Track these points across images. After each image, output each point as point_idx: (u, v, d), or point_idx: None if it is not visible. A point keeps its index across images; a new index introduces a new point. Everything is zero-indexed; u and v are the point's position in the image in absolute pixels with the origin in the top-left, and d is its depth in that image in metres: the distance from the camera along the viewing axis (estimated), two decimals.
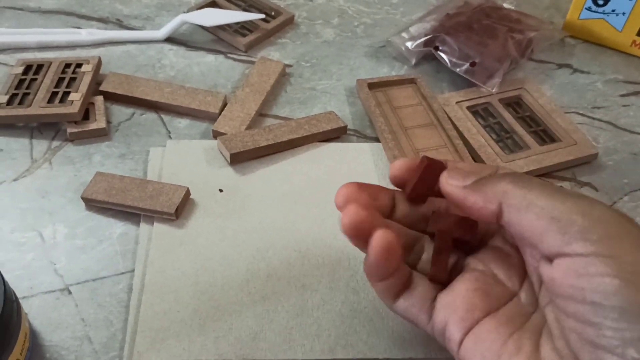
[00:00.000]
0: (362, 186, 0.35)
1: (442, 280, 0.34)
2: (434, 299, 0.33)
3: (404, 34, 0.64)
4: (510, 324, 0.30)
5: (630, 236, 0.26)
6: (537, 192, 0.28)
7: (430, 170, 0.34)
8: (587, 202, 0.27)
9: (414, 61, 0.63)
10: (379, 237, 0.30)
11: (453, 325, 0.31)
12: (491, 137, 0.54)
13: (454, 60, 0.59)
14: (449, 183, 0.32)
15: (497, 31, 0.61)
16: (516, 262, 0.33)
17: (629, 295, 0.24)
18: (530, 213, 0.28)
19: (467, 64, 0.58)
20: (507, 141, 0.54)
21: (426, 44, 0.62)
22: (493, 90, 0.58)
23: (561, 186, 0.30)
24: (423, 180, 0.34)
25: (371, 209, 0.33)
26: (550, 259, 0.27)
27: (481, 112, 0.57)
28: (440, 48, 0.60)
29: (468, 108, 0.57)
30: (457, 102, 0.57)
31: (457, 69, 0.59)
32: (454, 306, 0.32)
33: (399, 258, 0.32)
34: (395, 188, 0.37)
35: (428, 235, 0.36)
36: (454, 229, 0.34)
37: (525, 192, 0.28)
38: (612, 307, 0.24)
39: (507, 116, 0.56)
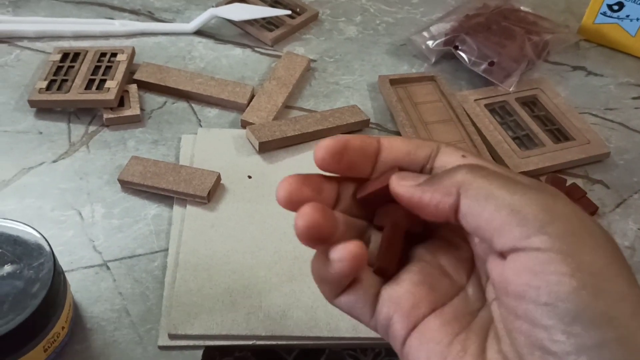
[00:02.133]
0: (305, 179, 0.31)
1: (390, 275, 0.31)
2: (378, 293, 0.30)
3: (425, 33, 0.66)
4: (456, 323, 0.28)
5: (591, 235, 0.24)
6: (497, 183, 0.26)
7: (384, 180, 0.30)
8: (550, 196, 0.25)
9: (433, 59, 0.65)
10: (350, 250, 0.28)
11: (397, 322, 0.29)
12: (507, 134, 0.56)
13: (473, 59, 0.62)
14: (400, 184, 0.29)
15: (515, 33, 0.63)
16: (465, 254, 0.31)
17: (585, 298, 0.23)
18: (489, 204, 0.25)
19: (486, 64, 0.61)
20: (523, 138, 0.57)
21: (446, 43, 0.64)
22: (510, 90, 0.60)
23: (521, 175, 0.28)
24: (380, 190, 0.30)
25: (324, 210, 0.29)
26: (504, 254, 0.26)
27: (498, 110, 0.60)
28: (459, 47, 0.63)
29: (486, 106, 0.59)
30: (475, 100, 0.60)
31: (476, 68, 0.61)
32: (398, 301, 0.29)
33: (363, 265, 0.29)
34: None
35: (375, 227, 0.33)
36: (405, 221, 0.31)
37: (485, 183, 0.26)
38: (566, 310, 0.23)
39: (523, 114, 0.59)
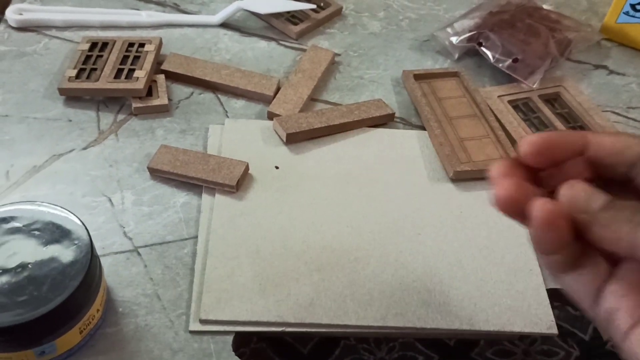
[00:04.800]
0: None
1: None
2: (602, 285, 0.30)
3: (448, 29, 0.66)
4: None
5: None
6: None
7: None
8: None
9: (457, 55, 0.65)
10: (540, 207, 0.28)
11: (620, 316, 0.29)
12: (531, 130, 0.57)
13: (497, 56, 0.62)
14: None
15: (540, 30, 0.64)
16: None
17: None
18: None
19: (510, 60, 0.61)
20: None
21: (470, 39, 0.64)
22: (534, 86, 0.61)
23: None
24: None
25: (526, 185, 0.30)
26: None
27: (521, 107, 0.60)
28: (483, 44, 0.63)
29: (509, 102, 0.60)
30: (498, 96, 0.60)
31: (500, 65, 0.62)
32: (623, 297, 0.29)
33: (566, 232, 0.29)
34: None
35: None
36: None
37: None
38: None
39: (547, 112, 0.59)
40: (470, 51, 0.65)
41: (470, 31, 0.65)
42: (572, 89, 0.62)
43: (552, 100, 0.61)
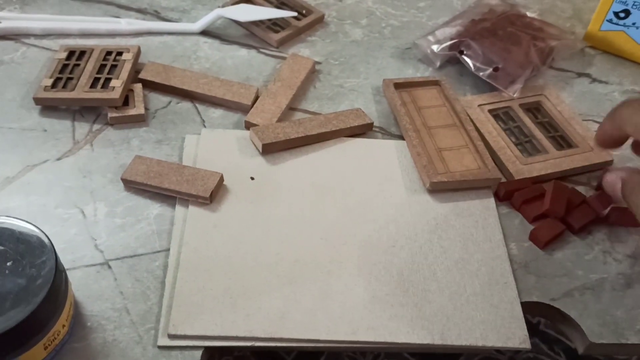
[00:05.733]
0: None
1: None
2: None
3: (430, 37, 0.66)
4: None
5: None
6: None
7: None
8: None
9: (438, 64, 0.65)
10: None
11: None
12: (511, 140, 0.57)
13: (477, 64, 0.62)
14: None
15: (521, 39, 0.63)
16: None
17: None
18: None
19: (491, 69, 0.61)
20: (526, 145, 0.57)
21: (451, 47, 0.64)
22: (514, 95, 0.60)
23: None
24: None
25: None
26: None
27: (502, 116, 0.60)
28: (465, 52, 0.63)
29: (489, 111, 0.59)
30: (479, 105, 0.60)
31: (481, 73, 0.61)
32: None
33: None
34: None
35: None
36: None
37: None
38: None
39: (527, 121, 0.59)
40: (452, 59, 0.65)
41: (451, 39, 0.64)
42: (553, 98, 0.61)
43: (534, 109, 0.61)
